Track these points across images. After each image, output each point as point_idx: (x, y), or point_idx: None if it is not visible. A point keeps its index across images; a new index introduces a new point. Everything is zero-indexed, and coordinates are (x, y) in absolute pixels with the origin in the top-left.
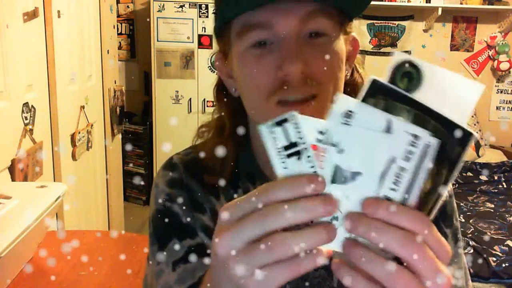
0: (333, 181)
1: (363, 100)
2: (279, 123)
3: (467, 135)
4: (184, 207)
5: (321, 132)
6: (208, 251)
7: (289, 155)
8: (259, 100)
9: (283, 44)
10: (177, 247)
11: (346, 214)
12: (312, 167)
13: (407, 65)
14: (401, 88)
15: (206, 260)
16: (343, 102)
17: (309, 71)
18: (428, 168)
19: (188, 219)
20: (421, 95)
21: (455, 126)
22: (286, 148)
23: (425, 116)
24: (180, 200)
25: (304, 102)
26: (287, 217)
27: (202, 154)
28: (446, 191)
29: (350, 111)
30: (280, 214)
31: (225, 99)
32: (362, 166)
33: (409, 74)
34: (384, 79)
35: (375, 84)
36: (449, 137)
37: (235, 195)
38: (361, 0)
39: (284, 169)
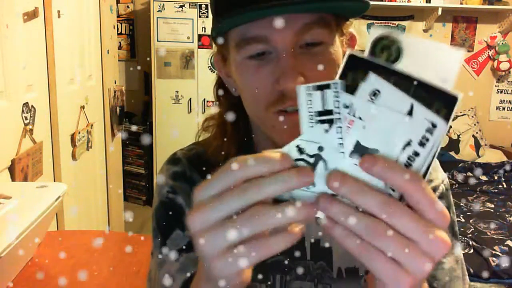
0: (351, 155)
1: (342, 74)
2: (320, 88)
3: (452, 97)
4: (187, 199)
5: (346, 106)
6: None
7: (320, 121)
8: (259, 109)
9: (280, 57)
10: (179, 237)
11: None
12: (340, 138)
13: (385, 39)
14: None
15: None
16: (372, 80)
17: (306, 82)
18: (435, 153)
19: None
20: (403, 67)
21: (438, 90)
22: (320, 114)
23: (406, 83)
24: (183, 192)
25: None
26: (264, 190)
27: (206, 151)
28: (436, 154)
29: (378, 91)
30: (257, 187)
31: (225, 97)
32: (379, 144)
33: (388, 47)
34: (364, 54)
35: (352, 58)
36: (433, 102)
37: None
38: (359, 6)
39: (310, 134)
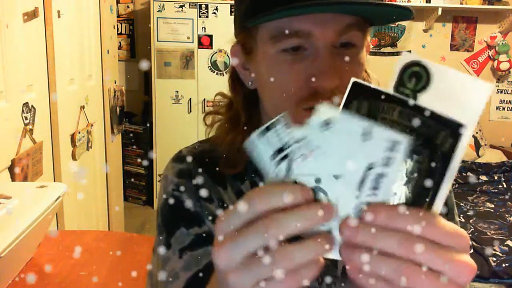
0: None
1: (346, 103)
2: (262, 133)
3: (458, 126)
4: (192, 196)
5: (300, 140)
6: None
7: (279, 161)
8: (287, 105)
9: (319, 55)
10: (184, 235)
11: (340, 220)
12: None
13: (415, 65)
14: (409, 89)
15: (211, 248)
16: (322, 111)
17: (340, 83)
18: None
19: (196, 208)
20: (429, 96)
21: (443, 119)
22: (274, 155)
23: (410, 112)
24: (188, 189)
25: None
26: (287, 227)
27: (211, 148)
28: (447, 185)
29: (329, 120)
30: (280, 225)
31: (238, 90)
32: (342, 170)
33: (417, 74)
34: (391, 79)
35: (356, 86)
36: (438, 131)
37: (241, 186)
38: (403, 14)
39: (277, 175)
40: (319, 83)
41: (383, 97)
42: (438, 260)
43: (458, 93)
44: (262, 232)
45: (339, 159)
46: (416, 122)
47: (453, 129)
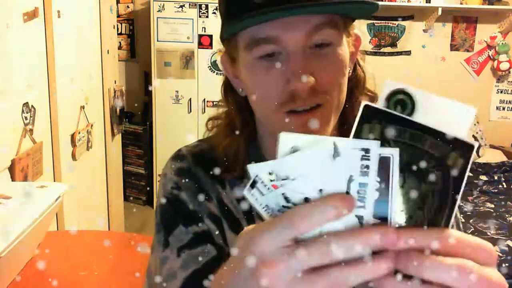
0: None
1: (358, 126)
2: (252, 186)
3: (468, 147)
4: (191, 195)
5: (270, 173)
6: (214, 239)
7: (279, 210)
8: (268, 110)
9: (291, 58)
10: (183, 233)
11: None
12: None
13: (400, 93)
14: None
15: (209, 247)
16: (286, 140)
17: (316, 83)
18: (397, 178)
19: (195, 206)
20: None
21: (454, 140)
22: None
23: (422, 134)
24: (187, 188)
25: (311, 111)
26: (346, 251)
27: (211, 148)
28: (457, 203)
29: (295, 147)
30: (339, 249)
31: (232, 97)
32: (325, 185)
33: (402, 102)
34: (378, 103)
35: (367, 109)
36: (449, 152)
37: (240, 185)
38: (368, 8)
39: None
40: (294, 85)
41: (394, 119)
42: (471, 280)
43: (442, 119)
44: (319, 255)
45: (317, 178)
46: (426, 144)
47: (464, 150)
